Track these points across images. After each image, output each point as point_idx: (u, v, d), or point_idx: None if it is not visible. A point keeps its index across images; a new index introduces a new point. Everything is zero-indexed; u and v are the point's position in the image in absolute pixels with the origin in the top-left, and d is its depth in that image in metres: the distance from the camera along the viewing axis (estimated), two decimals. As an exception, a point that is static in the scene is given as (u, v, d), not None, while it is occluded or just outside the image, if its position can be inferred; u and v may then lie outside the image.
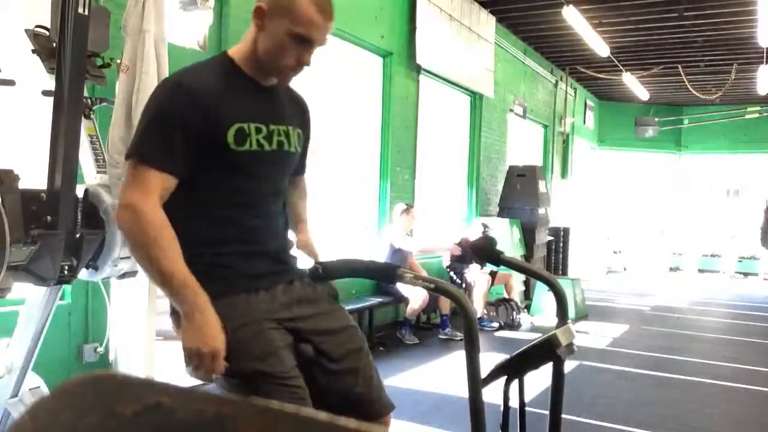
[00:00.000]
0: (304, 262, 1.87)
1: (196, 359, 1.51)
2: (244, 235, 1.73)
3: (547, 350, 1.65)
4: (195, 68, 1.75)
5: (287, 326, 1.70)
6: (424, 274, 6.23)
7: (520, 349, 1.71)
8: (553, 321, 1.75)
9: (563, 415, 1.75)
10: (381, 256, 6.30)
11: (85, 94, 2.95)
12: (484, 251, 1.85)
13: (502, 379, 1.73)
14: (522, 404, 1.75)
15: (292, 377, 1.62)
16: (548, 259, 10.02)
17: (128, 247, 1.63)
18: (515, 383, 1.73)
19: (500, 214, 9.03)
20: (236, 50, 1.75)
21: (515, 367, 1.71)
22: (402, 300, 6.31)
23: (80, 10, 2.60)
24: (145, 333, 3.51)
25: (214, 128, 1.64)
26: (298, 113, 1.89)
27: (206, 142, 1.63)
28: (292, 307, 1.73)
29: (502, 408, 1.74)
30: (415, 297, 6.14)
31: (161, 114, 1.63)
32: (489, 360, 1.72)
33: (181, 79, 1.69)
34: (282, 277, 1.76)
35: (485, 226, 7.65)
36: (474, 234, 7.50)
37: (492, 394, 1.72)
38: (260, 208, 1.75)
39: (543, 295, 7.96)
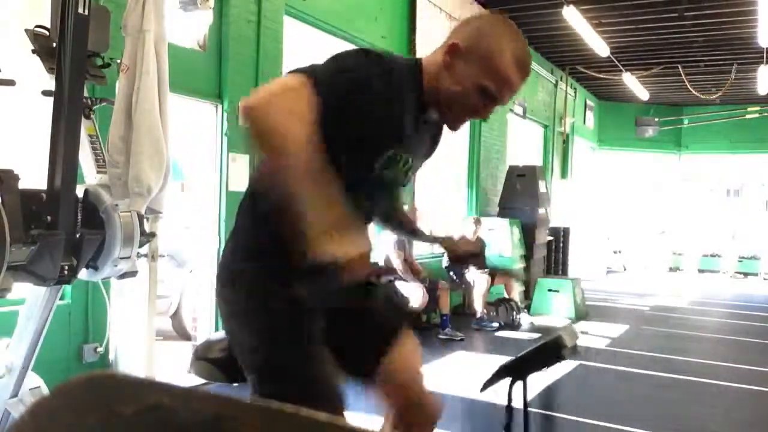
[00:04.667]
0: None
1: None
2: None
3: (551, 352, 1.65)
4: (399, 66, 1.54)
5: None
6: (424, 273, 6.12)
7: (525, 351, 1.71)
8: (554, 321, 1.75)
9: (563, 415, 1.75)
10: (380, 256, 6.31)
11: (85, 94, 2.95)
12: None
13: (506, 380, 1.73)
14: (526, 405, 1.75)
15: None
16: (548, 259, 10.02)
17: (257, 143, 1.35)
18: (519, 384, 1.73)
19: (500, 214, 9.03)
20: (427, 69, 1.57)
21: (519, 369, 1.71)
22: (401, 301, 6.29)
23: (80, 10, 2.61)
24: (145, 333, 3.51)
25: (372, 139, 1.49)
26: (431, 142, 1.76)
27: (354, 140, 1.47)
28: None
29: (506, 408, 1.74)
30: (415, 297, 6.14)
31: (353, 72, 1.44)
32: (490, 360, 1.72)
33: (390, 67, 1.49)
34: None
35: (477, 222, 7.60)
36: (467, 231, 7.48)
37: (496, 394, 1.72)
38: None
39: (543, 295, 7.96)
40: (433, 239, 2.11)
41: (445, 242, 1.98)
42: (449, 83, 1.52)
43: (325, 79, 1.41)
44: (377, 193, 1.68)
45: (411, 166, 1.65)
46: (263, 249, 1.54)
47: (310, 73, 1.41)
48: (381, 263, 6.38)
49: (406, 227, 2.04)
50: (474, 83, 1.49)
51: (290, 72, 1.44)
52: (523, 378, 1.71)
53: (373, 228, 1.96)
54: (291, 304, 1.53)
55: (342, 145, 1.46)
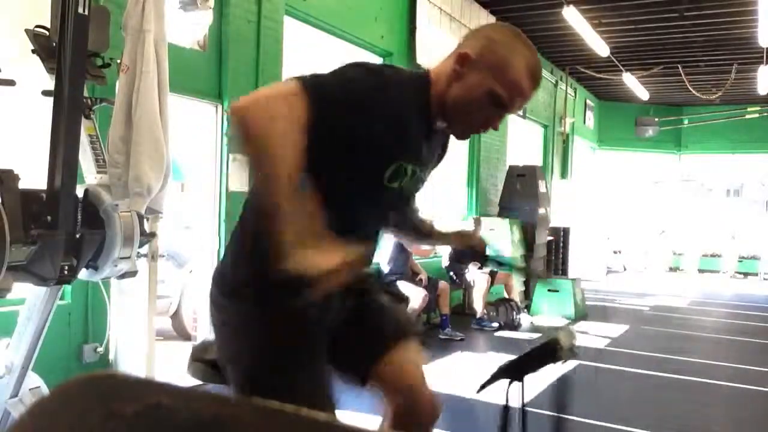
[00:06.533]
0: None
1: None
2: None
3: (549, 353, 1.64)
4: (402, 78, 1.55)
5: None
6: (424, 274, 6.17)
7: (522, 352, 1.71)
8: (554, 321, 1.75)
9: (563, 415, 1.75)
10: (384, 255, 6.31)
11: (85, 94, 2.95)
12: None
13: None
14: (523, 406, 1.75)
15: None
16: (548, 259, 10.01)
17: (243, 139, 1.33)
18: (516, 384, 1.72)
19: (500, 214, 9.03)
20: (436, 79, 1.57)
21: (517, 370, 1.71)
22: (402, 300, 6.30)
23: (80, 10, 2.61)
24: (145, 333, 3.52)
25: (376, 152, 1.47)
26: (440, 150, 1.76)
27: (358, 154, 1.46)
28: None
29: (502, 409, 1.73)
30: (415, 297, 6.14)
31: (354, 85, 1.42)
32: (490, 360, 1.72)
33: (391, 80, 1.49)
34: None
35: (477, 222, 7.63)
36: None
37: (495, 394, 1.72)
38: (359, 232, 1.53)
39: (543, 295, 7.95)
40: (443, 236, 2.12)
41: (455, 237, 2.03)
42: (458, 94, 1.51)
43: (326, 92, 1.38)
44: (389, 204, 1.69)
45: (420, 176, 1.64)
46: (264, 259, 1.46)
47: (310, 81, 1.37)
48: (383, 265, 6.38)
49: (421, 230, 2.04)
50: (486, 91, 1.48)
51: (290, 78, 1.40)
52: (520, 379, 1.70)
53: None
54: (292, 323, 1.52)
55: (345, 160, 1.47)
